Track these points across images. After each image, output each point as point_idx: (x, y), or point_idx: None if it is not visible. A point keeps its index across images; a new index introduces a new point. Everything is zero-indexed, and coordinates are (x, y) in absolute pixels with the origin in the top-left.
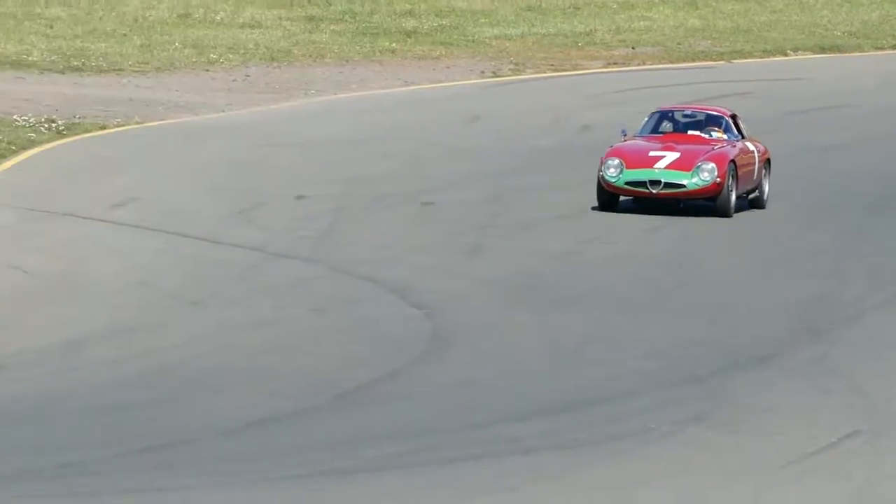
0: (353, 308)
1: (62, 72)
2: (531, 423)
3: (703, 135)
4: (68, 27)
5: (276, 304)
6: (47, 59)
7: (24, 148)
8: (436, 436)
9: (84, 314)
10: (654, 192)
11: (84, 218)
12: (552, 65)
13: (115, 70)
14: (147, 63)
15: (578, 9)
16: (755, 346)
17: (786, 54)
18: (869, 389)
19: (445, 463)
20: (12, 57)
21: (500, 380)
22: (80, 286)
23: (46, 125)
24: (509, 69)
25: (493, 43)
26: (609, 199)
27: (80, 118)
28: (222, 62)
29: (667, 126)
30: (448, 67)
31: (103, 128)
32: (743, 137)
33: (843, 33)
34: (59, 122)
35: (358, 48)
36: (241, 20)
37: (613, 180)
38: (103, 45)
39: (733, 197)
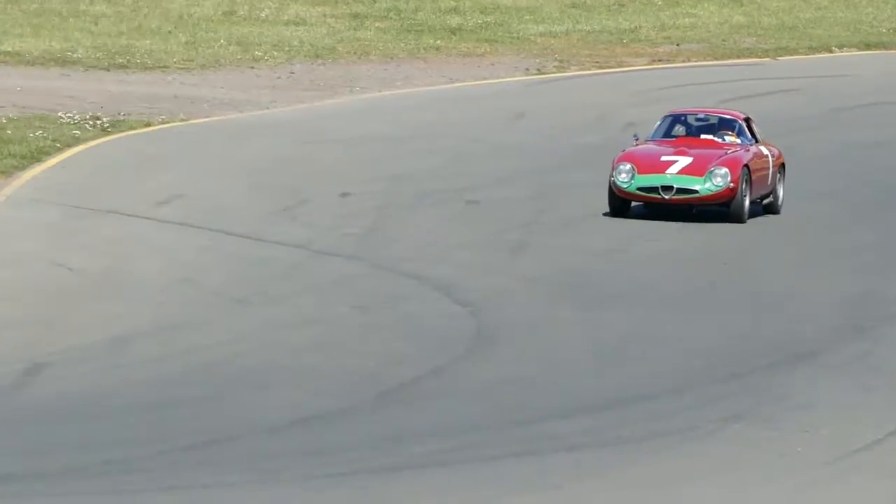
0: (397, 305)
1: (107, 69)
2: (575, 421)
3: (716, 139)
4: (113, 24)
5: (320, 301)
6: (92, 57)
7: (69, 145)
8: (480, 433)
9: (128, 311)
10: (666, 197)
11: (128, 215)
12: (597, 62)
13: (159, 67)
14: (192, 60)
15: (623, 5)
16: (799, 343)
17: (831, 51)
18: None
19: (489, 460)
20: (57, 54)
21: (543, 377)
22: (125, 284)
23: (91, 122)
24: (554, 66)
25: (538, 40)
26: (620, 204)
27: (124, 115)
28: (267, 59)
29: (679, 130)
30: (493, 64)
31: (148, 125)
32: (757, 141)
33: (889, 30)
34: (104, 120)
35: (402, 45)
36: (286, 17)
37: (625, 186)
38: (148, 42)
39: (747, 202)
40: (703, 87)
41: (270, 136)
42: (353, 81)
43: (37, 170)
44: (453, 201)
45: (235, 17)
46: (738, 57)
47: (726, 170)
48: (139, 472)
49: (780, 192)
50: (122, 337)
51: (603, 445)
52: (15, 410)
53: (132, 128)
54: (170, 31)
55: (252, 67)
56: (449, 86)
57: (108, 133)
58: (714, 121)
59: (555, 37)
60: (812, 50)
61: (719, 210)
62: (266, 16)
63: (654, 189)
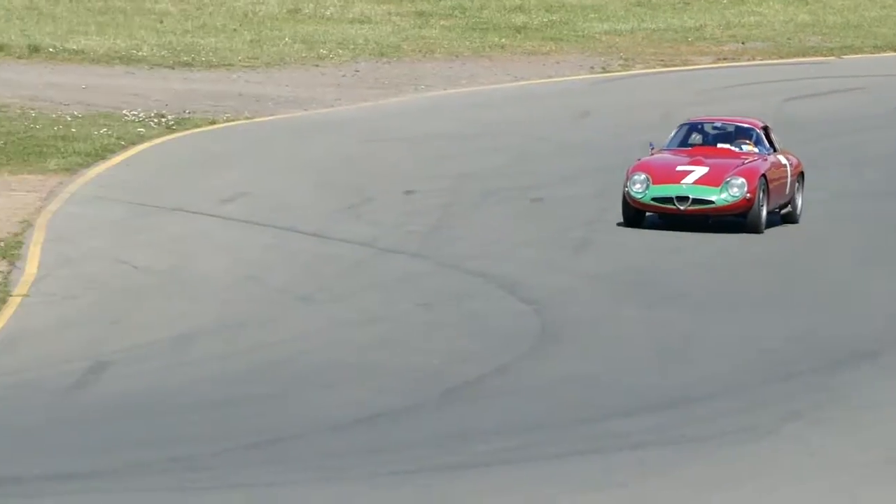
0: (461, 303)
1: (172, 67)
2: (639, 419)
3: (733, 148)
4: (178, 22)
5: (385, 299)
6: (157, 55)
7: (134, 143)
8: (544, 431)
9: (193, 309)
10: (681, 208)
11: (193, 213)
12: (662, 60)
13: (224, 65)
14: (257, 58)
15: (688, 4)
16: (859, 343)
17: None
18: None
19: (553, 458)
20: (122, 52)
21: (607, 375)
22: (189, 281)
23: (156, 120)
24: (619, 64)
25: (603, 38)
26: (635, 215)
27: (189, 113)
28: (332, 57)
29: (696, 138)
30: (557, 63)
31: (213, 123)
32: (775, 150)
33: None
34: (169, 118)
35: (467, 43)
36: (351, 15)
37: (639, 196)
38: (213, 40)
39: (764, 212)
40: (768, 85)
41: (335, 134)
42: (418, 80)
43: (101, 167)
44: (518, 199)
45: (300, 15)
46: (803, 55)
47: (743, 180)
48: (203, 469)
49: (799, 202)
50: (187, 335)
51: (666, 444)
52: (79, 408)
53: (197, 126)
54: (235, 29)
55: (317, 65)
56: (514, 84)
57: (173, 131)
58: (731, 129)
59: (620, 35)
60: (877, 49)
61: (735, 221)
62: (331, 14)
63: (669, 200)
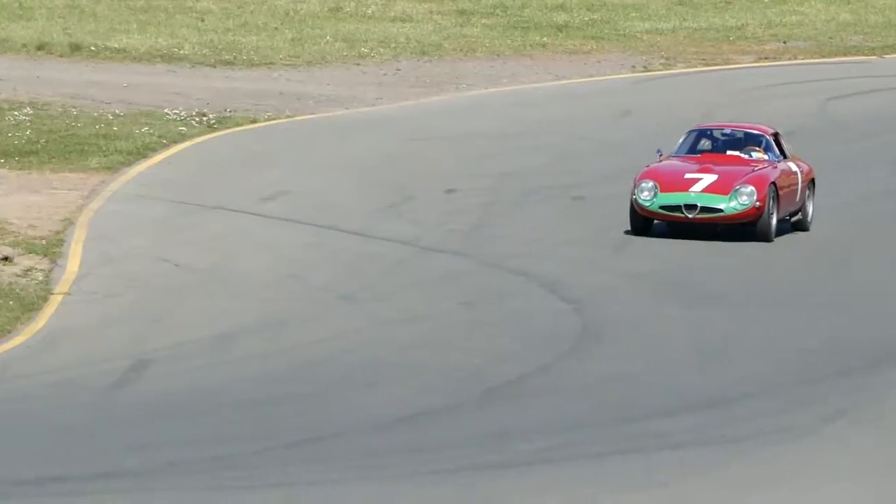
0: (502, 302)
1: (213, 65)
2: (679, 419)
3: (742, 155)
4: (220, 21)
5: (426, 298)
6: (198, 53)
7: (175, 142)
8: (585, 430)
9: (234, 308)
10: (689, 216)
11: (234, 211)
12: (703, 59)
13: (266, 64)
14: (298, 57)
15: (730, 3)
16: None
17: None
18: None
19: (594, 457)
20: (164, 50)
21: (648, 374)
22: (231, 280)
23: (197, 119)
24: (660, 63)
25: (644, 37)
26: (643, 223)
27: (230, 112)
28: (373, 56)
29: (705, 144)
30: (599, 62)
31: (254, 121)
32: (785, 157)
33: None
34: (210, 116)
35: (509, 42)
36: (392, 14)
37: (647, 204)
38: (254, 38)
39: (774, 221)
40: (810, 84)
41: (376, 132)
42: (460, 78)
43: (143, 166)
44: (559, 198)
45: (342, 13)
46: (845, 55)
47: (752, 188)
48: (244, 468)
49: (810, 209)
50: (228, 333)
51: (707, 443)
52: (120, 407)
53: (238, 124)
54: (276, 28)
55: (358, 64)
56: (555, 83)
57: (214, 129)
58: (740, 136)
59: (661, 34)
60: None
61: (745, 229)
62: (372, 12)
63: (677, 208)
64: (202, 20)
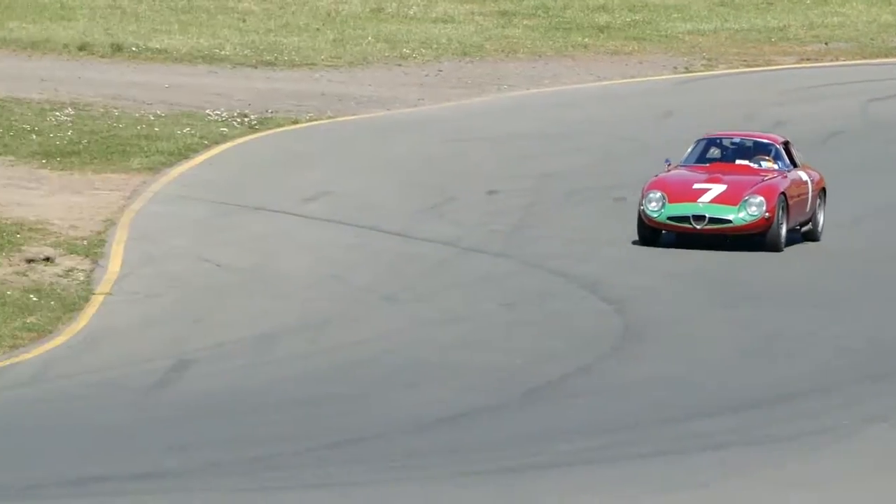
0: (544, 303)
1: (255, 66)
2: (721, 419)
3: (751, 164)
4: (261, 21)
5: (468, 298)
6: (240, 54)
7: (217, 142)
8: (627, 431)
9: (275, 308)
10: (697, 227)
11: (276, 212)
12: (745, 60)
13: (307, 64)
14: (339, 57)
15: (772, 4)
16: None
17: None
18: None
19: (636, 458)
20: (205, 51)
21: (690, 375)
22: (272, 280)
23: (238, 120)
24: (702, 64)
25: (686, 38)
26: (650, 234)
27: (272, 113)
28: (415, 57)
29: (714, 153)
30: (640, 62)
31: (295, 122)
32: (795, 166)
33: None
34: (252, 117)
35: (550, 43)
36: (434, 15)
37: (655, 215)
38: (296, 39)
39: (784, 231)
40: (852, 85)
41: (418, 133)
42: (501, 79)
43: (184, 166)
44: (600, 199)
45: (383, 14)
46: (886, 56)
47: (762, 198)
48: (285, 469)
49: (821, 219)
50: (270, 334)
51: (749, 444)
52: (162, 407)
53: (279, 125)
54: (318, 29)
55: (400, 65)
56: (597, 84)
57: (256, 130)
58: (749, 145)
59: (703, 35)
60: None
61: (754, 240)
62: (414, 13)
63: (685, 219)
64: (244, 21)
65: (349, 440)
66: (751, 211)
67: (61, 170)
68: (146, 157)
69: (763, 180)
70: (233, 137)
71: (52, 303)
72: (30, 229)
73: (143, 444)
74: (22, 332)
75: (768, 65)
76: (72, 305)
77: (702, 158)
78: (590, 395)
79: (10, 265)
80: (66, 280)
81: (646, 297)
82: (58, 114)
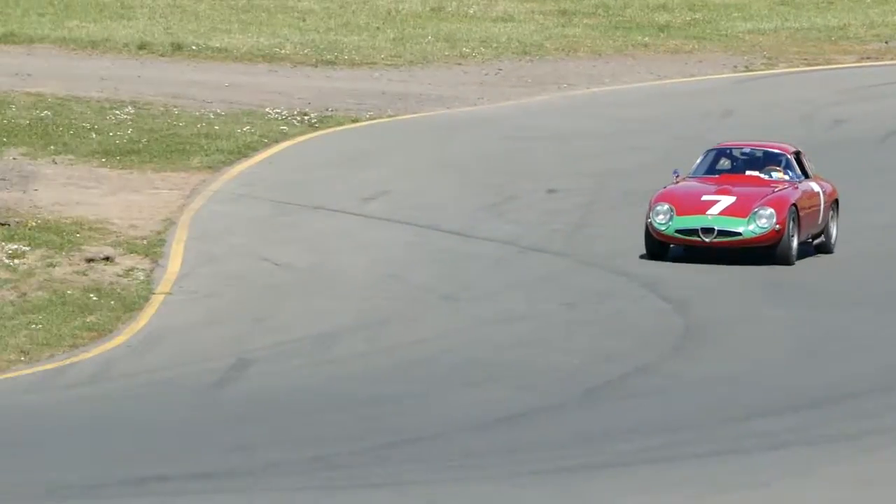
0: (604, 302)
1: (315, 65)
2: (782, 419)
3: (762, 175)
4: (321, 20)
5: (527, 298)
6: (300, 53)
7: (277, 141)
8: (687, 430)
9: (334, 307)
10: (706, 240)
11: (335, 211)
12: (805, 59)
13: (367, 63)
14: (399, 56)
15: (832, 3)
16: None
17: None
18: None
19: (696, 458)
20: (265, 50)
21: (750, 374)
22: (331, 279)
23: (299, 118)
24: (762, 63)
25: (746, 37)
26: (658, 248)
27: (332, 111)
28: (474, 56)
29: (724, 164)
30: (700, 62)
31: (355, 121)
32: (807, 177)
33: None
34: (312, 115)
35: (610, 42)
36: (494, 14)
37: (662, 228)
38: (356, 38)
39: (795, 244)
40: None
41: (477, 132)
42: (561, 78)
43: (244, 165)
44: None
45: (443, 13)
46: None
47: (772, 210)
48: (344, 468)
49: (834, 231)
50: (329, 333)
51: (810, 443)
52: (221, 406)
53: (339, 124)
54: (377, 28)
55: (459, 64)
56: (656, 83)
57: (316, 129)
58: (760, 155)
59: (763, 34)
60: None
61: (765, 253)
62: (474, 12)
63: (693, 231)
64: (304, 20)
65: (408, 439)
66: (760, 223)
67: (121, 169)
68: (206, 155)
69: (773, 192)
70: (293, 136)
71: (112, 302)
72: (90, 229)
73: (204, 443)
74: (82, 332)
75: (828, 64)
76: (131, 305)
77: (711, 169)
78: (649, 394)
79: (71, 265)
80: (125, 279)
81: (705, 296)
82: (118, 112)
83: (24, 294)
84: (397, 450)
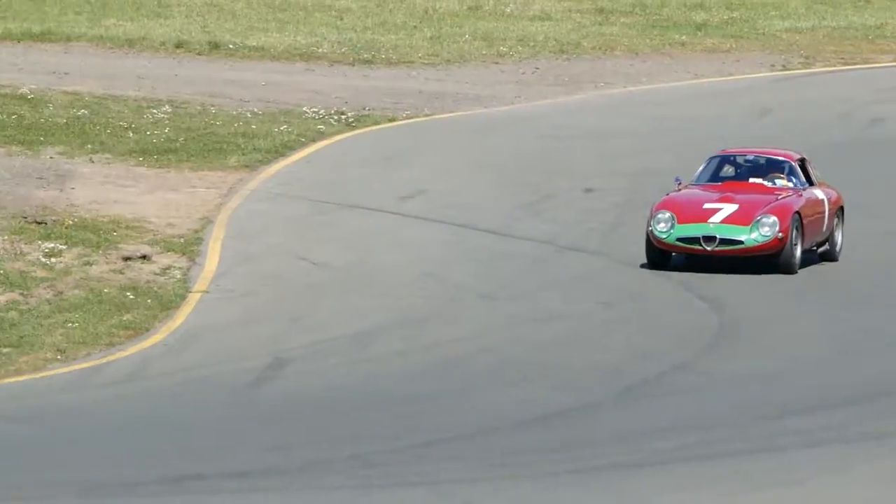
0: (640, 301)
1: (352, 64)
2: (817, 416)
3: (765, 182)
4: (358, 19)
5: (565, 297)
6: (337, 51)
7: (314, 140)
8: (723, 428)
9: (372, 306)
10: (708, 249)
11: (372, 210)
12: (842, 58)
13: (404, 62)
14: (437, 55)
15: (869, 2)
16: None
17: None
18: None
19: (732, 455)
20: (302, 49)
21: (786, 372)
22: (368, 278)
23: (336, 117)
24: (799, 62)
25: (784, 36)
26: (659, 256)
27: (369, 110)
28: (512, 55)
29: (727, 171)
30: (738, 60)
31: (392, 120)
32: (812, 184)
33: None
34: (349, 114)
35: (648, 41)
36: (531, 12)
37: (664, 236)
38: (393, 37)
39: (798, 252)
40: None
41: (515, 131)
42: (598, 77)
43: (281, 164)
44: None
45: (480, 12)
46: None
47: (775, 218)
48: (381, 466)
49: (839, 238)
50: (366, 332)
51: (845, 441)
52: (259, 404)
53: (376, 123)
54: (415, 27)
55: (497, 63)
56: (694, 81)
57: (353, 128)
58: (763, 162)
59: (800, 32)
60: None
61: (767, 261)
62: (511, 11)
63: (695, 240)
64: (341, 19)
65: (446, 438)
66: (763, 231)
67: (158, 167)
68: (243, 154)
69: (777, 199)
70: (330, 135)
71: (149, 301)
72: (127, 227)
73: (240, 442)
74: (119, 330)
75: (866, 62)
76: (168, 303)
77: (714, 177)
78: (686, 392)
79: (108, 263)
80: (162, 278)
81: (741, 294)
82: (155, 111)
83: (61, 293)
84: (434, 448)
